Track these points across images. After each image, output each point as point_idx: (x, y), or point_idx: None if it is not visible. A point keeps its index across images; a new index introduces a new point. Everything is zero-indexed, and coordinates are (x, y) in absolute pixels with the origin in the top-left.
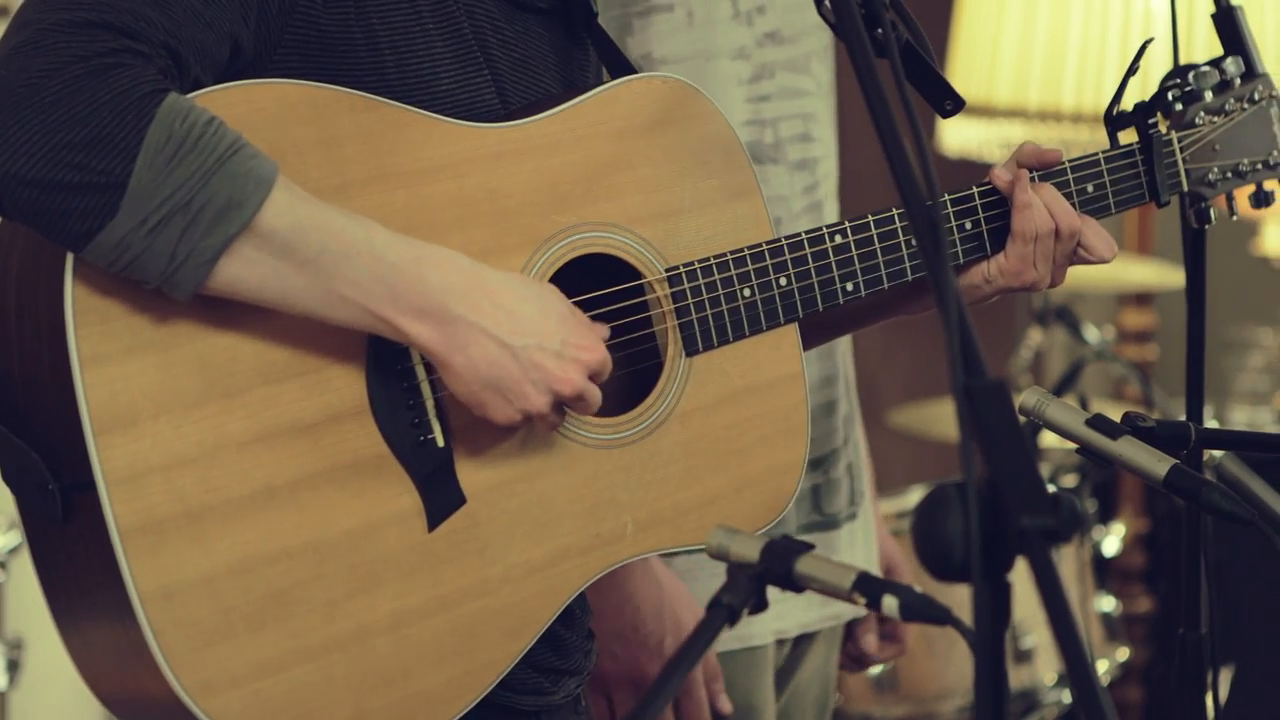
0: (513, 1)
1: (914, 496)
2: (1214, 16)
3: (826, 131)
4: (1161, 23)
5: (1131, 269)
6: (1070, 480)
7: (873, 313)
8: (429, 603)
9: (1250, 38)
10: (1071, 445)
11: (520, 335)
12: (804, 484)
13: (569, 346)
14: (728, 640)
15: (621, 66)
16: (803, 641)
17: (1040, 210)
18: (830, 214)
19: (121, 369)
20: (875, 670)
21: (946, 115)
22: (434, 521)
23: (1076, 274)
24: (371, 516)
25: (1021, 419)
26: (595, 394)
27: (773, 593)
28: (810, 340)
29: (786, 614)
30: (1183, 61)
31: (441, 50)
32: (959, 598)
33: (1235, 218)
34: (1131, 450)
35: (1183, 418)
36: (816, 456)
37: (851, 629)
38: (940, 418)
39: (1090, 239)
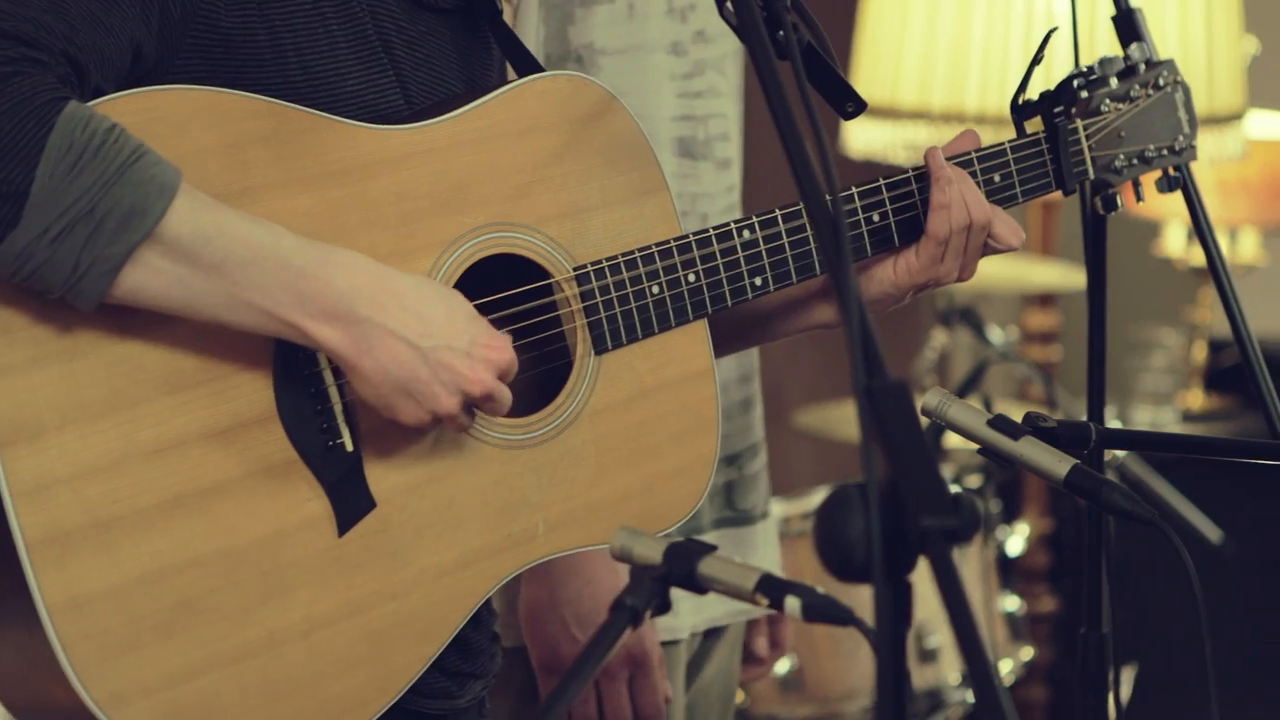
0: (415, 2)
1: (819, 497)
2: (1114, 19)
3: (737, 133)
4: (1064, 25)
5: (1035, 270)
6: (974, 480)
7: (790, 321)
8: (340, 608)
9: (1149, 39)
10: (974, 446)
11: (429, 337)
12: (718, 480)
13: (477, 346)
14: None
15: (528, 65)
16: (711, 636)
17: (959, 209)
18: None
19: (26, 380)
20: (782, 670)
21: (848, 117)
22: (344, 526)
23: (981, 275)
24: (281, 522)
25: (924, 420)
26: (505, 394)
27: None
28: (728, 347)
29: (704, 607)
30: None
31: (345, 51)
32: (863, 598)
33: (1141, 203)
34: (1032, 451)
35: (1085, 418)
36: (732, 453)
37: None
38: (845, 419)
39: (999, 229)
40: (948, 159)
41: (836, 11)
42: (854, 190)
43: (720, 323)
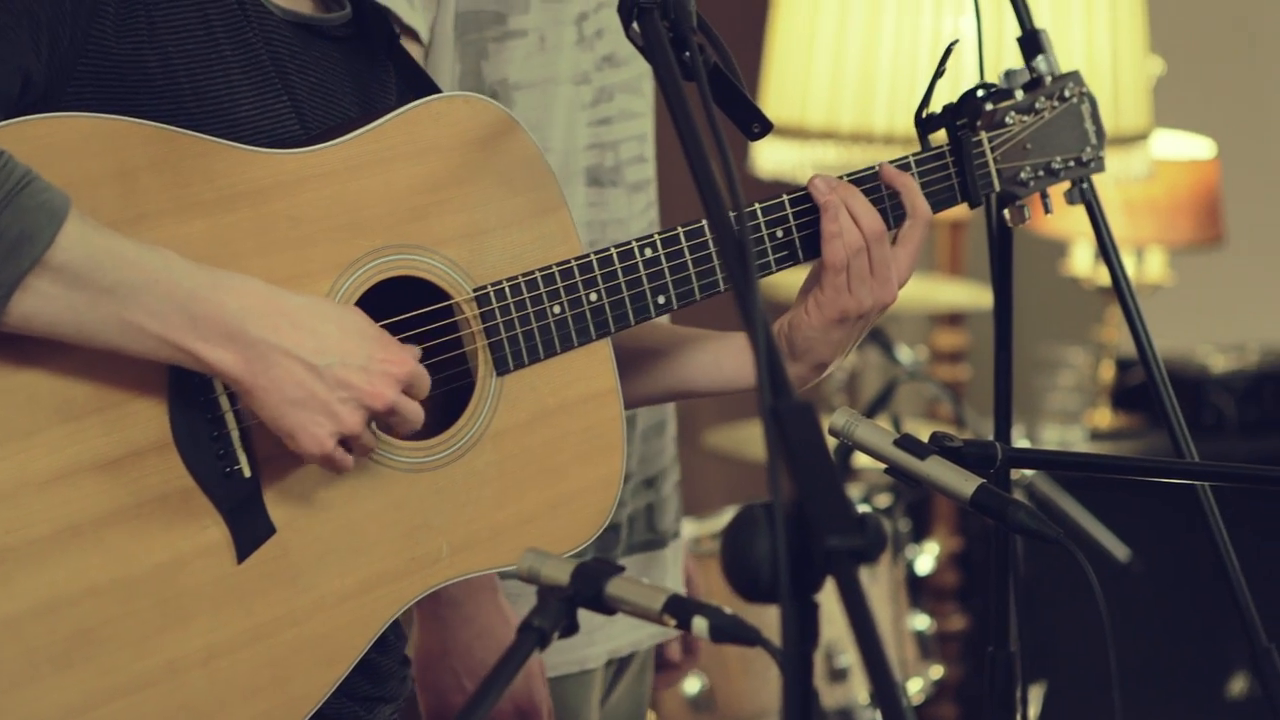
0: (309, 27)
1: (729, 517)
2: (1019, 39)
3: (652, 152)
4: (971, 45)
5: (943, 290)
6: (884, 499)
7: (702, 382)
8: (241, 635)
9: (1054, 57)
10: (882, 465)
11: (324, 354)
12: (639, 504)
13: (375, 361)
14: (564, 664)
15: (423, 88)
16: (624, 660)
17: (851, 233)
18: None
19: None
20: (692, 690)
21: (754, 138)
22: (243, 553)
23: None
24: (179, 550)
25: (831, 440)
26: (412, 408)
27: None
28: (645, 399)
29: (618, 634)
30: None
31: (239, 76)
32: (772, 618)
33: (1049, 214)
34: (939, 470)
35: (993, 437)
36: (649, 476)
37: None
38: (755, 439)
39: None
40: (853, 176)
41: (745, 32)
42: (757, 207)
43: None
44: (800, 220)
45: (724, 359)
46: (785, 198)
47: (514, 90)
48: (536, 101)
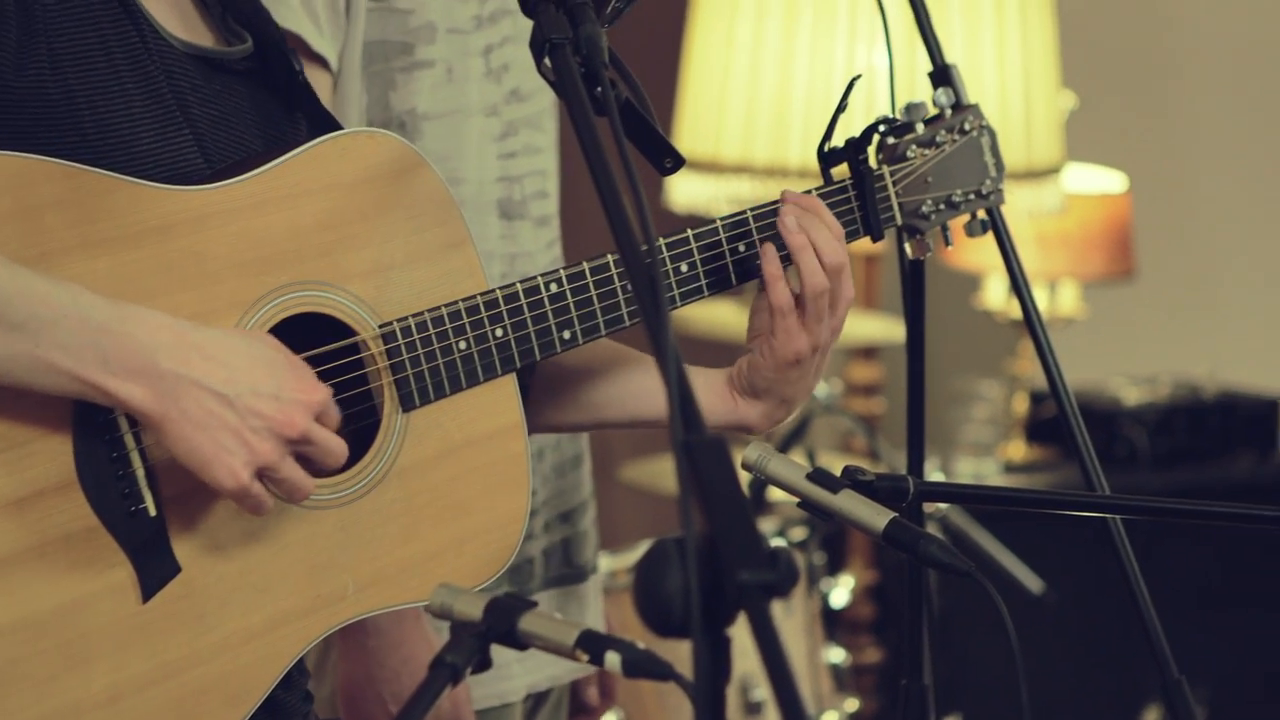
0: (210, 61)
1: (644, 552)
2: (931, 74)
3: (555, 189)
4: (884, 80)
5: (857, 323)
6: (799, 533)
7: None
8: (146, 675)
9: (965, 93)
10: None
11: (234, 384)
12: (555, 538)
13: (286, 389)
14: (484, 698)
15: (326, 123)
16: (541, 694)
17: (816, 274)
18: None
19: None
20: None
21: (666, 173)
22: (148, 592)
23: None
24: (84, 590)
25: (744, 474)
26: (327, 437)
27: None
28: (595, 424)
29: (536, 668)
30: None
31: (141, 109)
32: (686, 652)
33: (950, 248)
34: (851, 504)
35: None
36: (566, 510)
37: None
38: (670, 473)
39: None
40: (756, 211)
41: (659, 66)
42: (661, 242)
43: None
44: (705, 255)
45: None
46: (690, 233)
47: (423, 121)
48: (446, 132)
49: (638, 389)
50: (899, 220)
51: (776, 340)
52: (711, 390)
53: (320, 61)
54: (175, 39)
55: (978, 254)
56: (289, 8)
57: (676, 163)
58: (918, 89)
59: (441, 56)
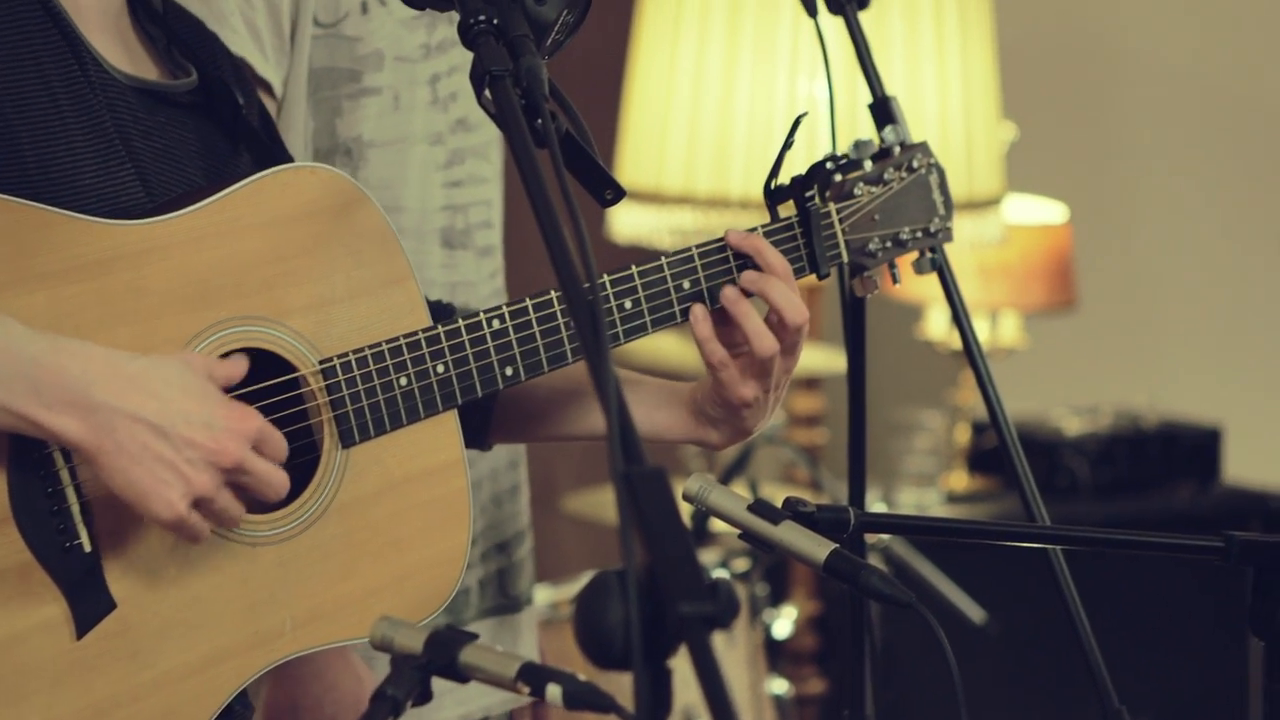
0: (154, 94)
1: (585, 582)
2: (871, 106)
3: (499, 219)
4: (826, 110)
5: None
6: (742, 564)
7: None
8: (80, 712)
9: (905, 125)
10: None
11: (167, 415)
12: (490, 568)
13: (219, 418)
14: None
15: (270, 156)
16: None
17: (759, 334)
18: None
19: None
20: None
21: (606, 205)
22: (83, 629)
23: None
24: (17, 627)
25: (686, 505)
26: (267, 468)
27: None
28: (569, 437)
29: (469, 698)
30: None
31: (82, 144)
32: (627, 684)
33: (898, 285)
34: (792, 535)
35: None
36: (502, 540)
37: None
38: (613, 503)
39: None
40: (702, 248)
41: (601, 97)
42: (605, 279)
43: (509, 417)
44: (650, 291)
45: (657, 410)
46: (634, 269)
47: (368, 148)
48: (390, 160)
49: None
50: (845, 258)
51: (723, 388)
52: (674, 407)
53: (265, 87)
54: (118, 71)
55: (919, 285)
56: (234, 32)
57: (617, 194)
58: (859, 120)
59: (388, 84)
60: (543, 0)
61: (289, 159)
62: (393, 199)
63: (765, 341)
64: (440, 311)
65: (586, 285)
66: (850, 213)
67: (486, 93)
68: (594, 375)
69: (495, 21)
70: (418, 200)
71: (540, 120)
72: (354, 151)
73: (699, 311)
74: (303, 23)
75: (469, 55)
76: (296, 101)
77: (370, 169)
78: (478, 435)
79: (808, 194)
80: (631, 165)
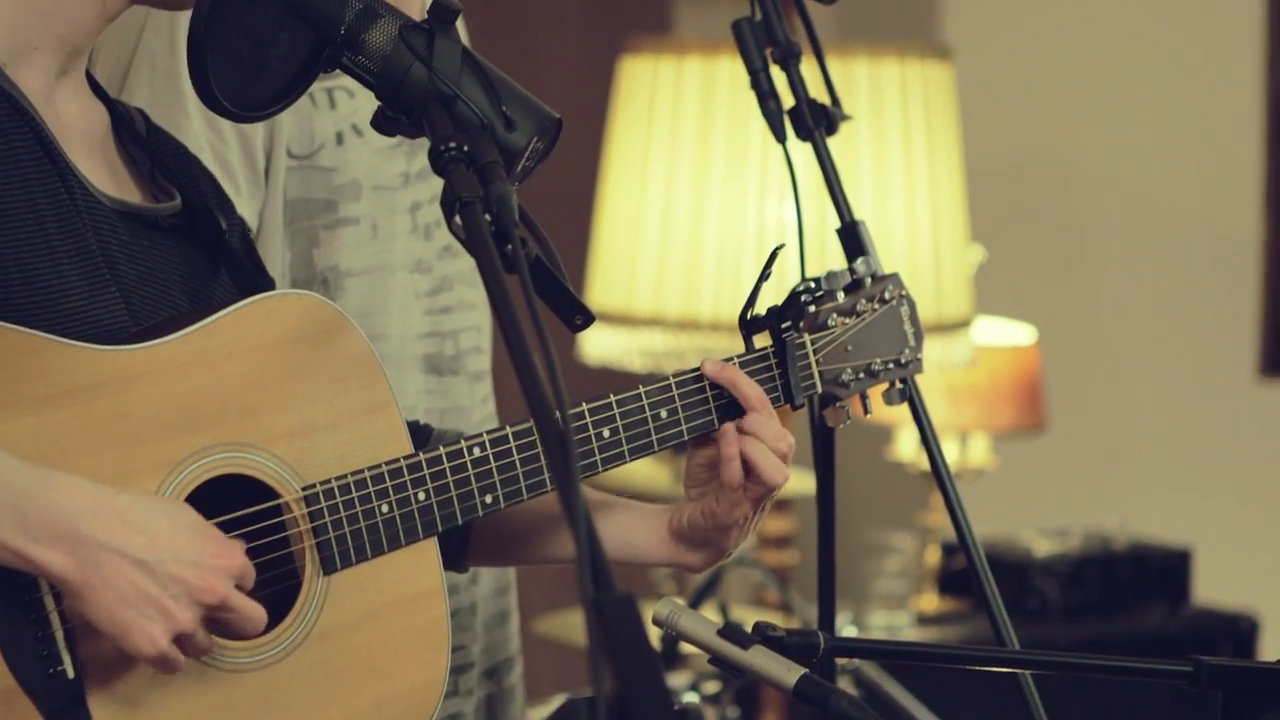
0: (138, 218)
1: (556, 706)
2: (839, 231)
3: (489, 344)
4: (794, 234)
5: None
6: (712, 686)
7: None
8: None
9: (874, 251)
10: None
11: (155, 551)
12: (480, 693)
13: (206, 556)
14: None
15: (253, 283)
16: None
17: (774, 468)
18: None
19: None
20: None
21: (576, 330)
22: None
23: None
24: None
25: (655, 630)
26: (245, 603)
27: None
28: (546, 560)
29: None
30: (814, 271)
31: (68, 266)
32: None
33: (869, 415)
34: (762, 660)
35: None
36: (491, 666)
37: None
38: (584, 625)
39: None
40: (679, 377)
41: (571, 220)
42: (585, 407)
43: (487, 540)
44: (627, 420)
45: (634, 533)
46: (613, 398)
47: (345, 277)
48: (369, 288)
49: (599, 530)
50: (819, 388)
51: (720, 509)
52: (651, 531)
53: None
54: (104, 195)
55: (888, 407)
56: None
57: (587, 320)
58: (828, 242)
59: (366, 213)
60: (513, 127)
61: (270, 282)
62: (373, 327)
63: (776, 472)
64: (418, 433)
65: (557, 413)
66: (824, 344)
67: (457, 219)
68: (564, 503)
69: (465, 148)
70: (398, 328)
71: (510, 246)
72: (330, 281)
73: (730, 431)
74: (277, 155)
75: None
76: (273, 232)
77: (348, 298)
78: (455, 558)
79: (783, 325)
80: (602, 287)
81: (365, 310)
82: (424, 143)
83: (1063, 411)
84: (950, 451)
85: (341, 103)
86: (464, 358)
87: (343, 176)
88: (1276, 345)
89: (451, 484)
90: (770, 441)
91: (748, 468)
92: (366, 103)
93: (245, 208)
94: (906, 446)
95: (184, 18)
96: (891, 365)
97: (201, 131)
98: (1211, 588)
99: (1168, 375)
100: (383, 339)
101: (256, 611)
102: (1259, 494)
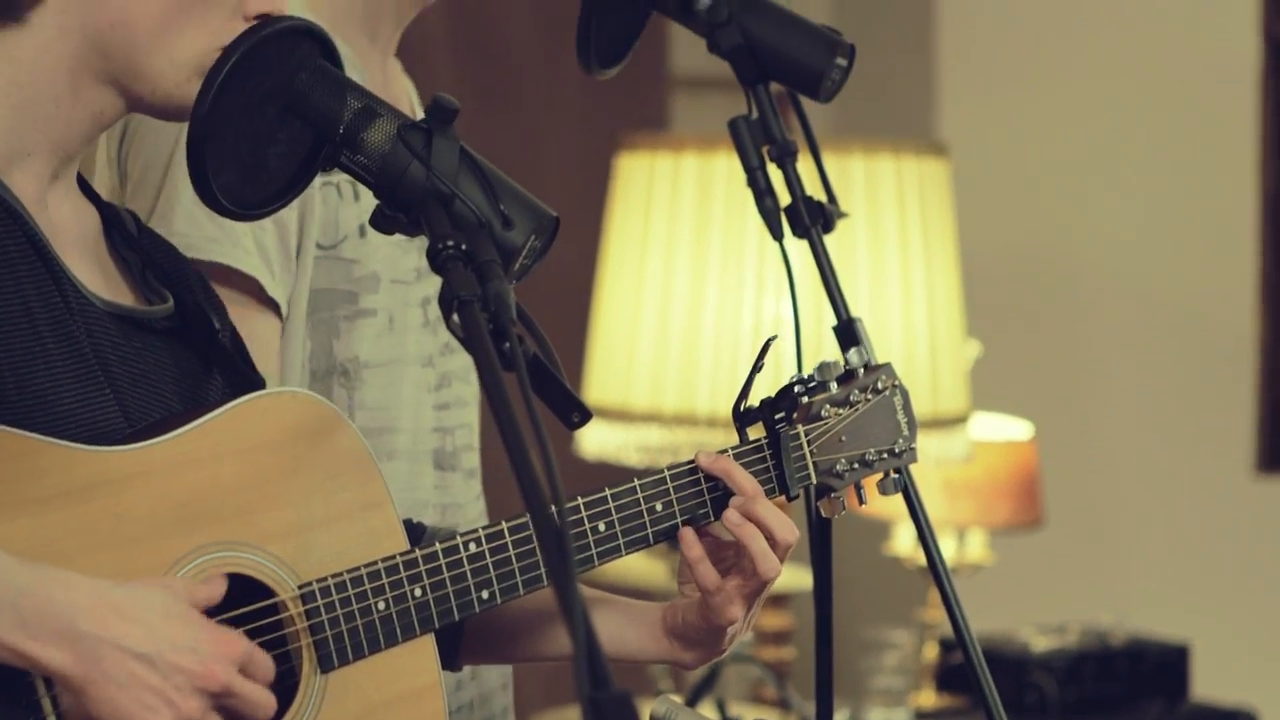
0: (130, 320)
1: None
2: (835, 328)
3: (478, 440)
4: (790, 331)
5: None
6: None
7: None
8: None
9: (869, 345)
10: None
11: (154, 642)
12: None
13: (204, 643)
14: None
15: (246, 382)
16: None
17: (765, 557)
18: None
19: None
20: None
21: (573, 428)
22: None
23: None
24: None
25: None
26: (255, 690)
27: None
28: (539, 658)
29: None
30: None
31: (62, 369)
32: None
33: (864, 506)
34: None
35: None
36: None
37: None
38: None
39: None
40: (673, 470)
41: (568, 317)
42: (580, 501)
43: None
44: (622, 514)
45: (628, 630)
46: (608, 491)
47: (364, 369)
48: (385, 381)
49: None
50: (813, 480)
51: (711, 612)
52: (646, 627)
53: (272, 306)
54: (96, 297)
55: (886, 502)
56: (244, 250)
57: (584, 417)
58: (825, 338)
59: (384, 306)
60: (511, 225)
61: (261, 381)
62: (388, 420)
63: (770, 564)
64: (412, 530)
65: (555, 510)
66: (818, 435)
67: (455, 317)
68: (560, 599)
69: (463, 247)
70: (410, 421)
71: (507, 344)
72: (351, 372)
73: (689, 535)
74: (307, 244)
75: None
76: (297, 322)
77: (366, 390)
78: (448, 656)
79: (776, 416)
80: (599, 382)
81: (382, 403)
82: None
83: (1060, 507)
84: (947, 547)
85: (365, 195)
86: (459, 454)
87: (364, 269)
88: (1273, 441)
89: (448, 580)
90: (777, 531)
91: (743, 559)
92: None
93: (279, 293)
94: (904, 542)
95: None
96: (886, 455)
97: None
98: (1210, 683)
99: (1165, 471)
100: (397, 432)
101: (265, 697)
102: (1257, 589)
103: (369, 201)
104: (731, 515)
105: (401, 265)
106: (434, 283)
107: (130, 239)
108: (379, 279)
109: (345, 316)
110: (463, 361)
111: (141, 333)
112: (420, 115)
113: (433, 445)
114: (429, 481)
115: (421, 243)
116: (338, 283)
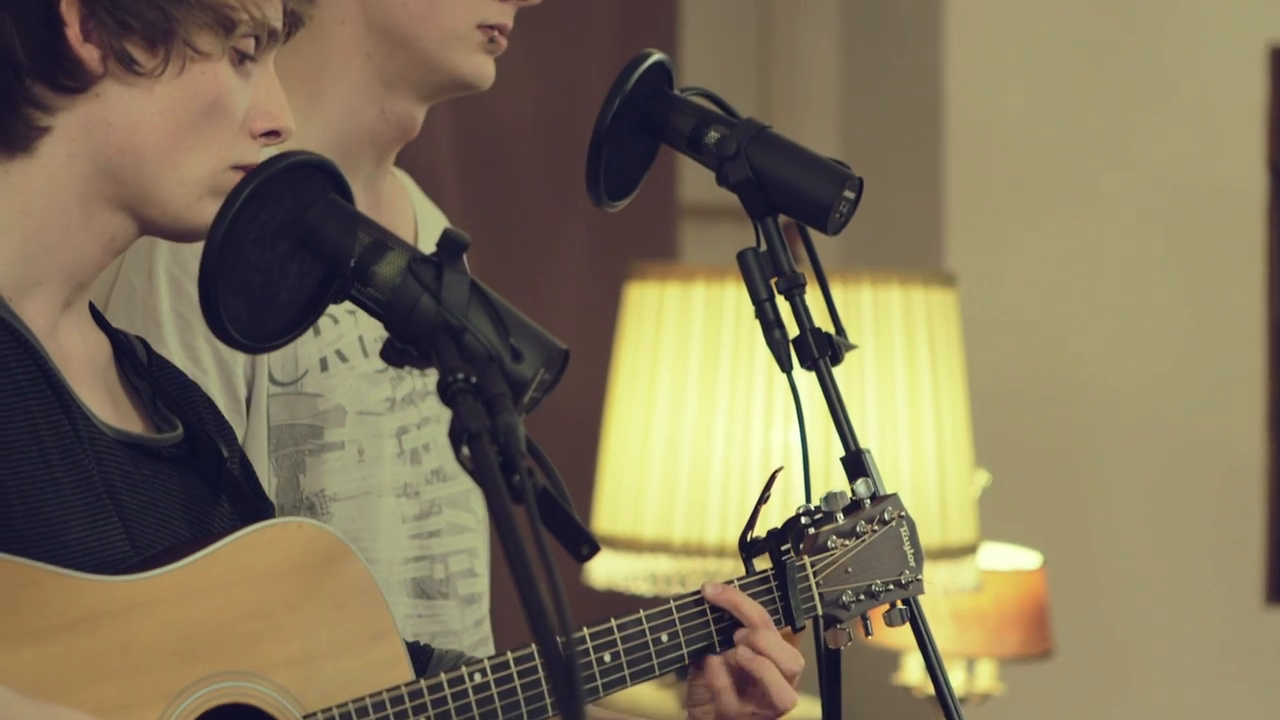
0: (140, 448)
1: None
2: (843, 459)
3: (485, 566)
4: (798, 462)
5: None
6: None
7: None
8: None
9: (878, 476)
10: None
11: None
12: None
13: None
14: None
15: (254, 511)
16: None
17: (781, 689)
18: (494, 647)
19: None
20: None
21: (582, 560)
22: None
23: None
24: None
25: None
26: None
27: None
28: None
29: None
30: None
31: (71, 498)
32: None
33: (870, 637)
34: None
35: None
36: None
37: None
38: None
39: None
40: (679, 601)
41: (578, 450)
42: (585, 632)
43: None
44: (629, 644)
45: None
46: (614, 622)
47: (331, 502)
48: (356, 513)
49: None
50: (820, 610)
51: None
52: None
53: None
54: (106, 425)
55: (895, 631)
56: None
57: (592, 550)
58: (833, 469)
59: (351, 438)
60: (520, 358)
61: (270, 508)
62: (361, 551)
63: (786, 695)
64: (419, 654)
65: (563, 641)
66: (824, 566)
67: (465, 450)
68: None
69: (473, 380)
70: (386, 551)
71: (517, 477)
72: (317, 506)
73: (715, 663)
74: (259, 384)
75: (442, 408)
76: (258, 461)
77: (335, 523)
78: None
79: (783, 548)
80: (608, 511)
81: (353, 535)
82: (410, 369)
83: (1069, 636)
84: (957, 677)
85: (326, 329)
86: (454, 581)
87: (328, 402)
88: None
89: (453, 710)
90: (782, 661)
91: (755, 688)
92: (351, 328)
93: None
94: (913, 671)
95: (162, 248)
96: (892, 586)
97: (181, 362)
98: None
99: (1174, 601)
100: (373, 563)
101: None
102: None
103: (330, 335)
104: (743, 651)
105: (370, 397)
106: (414, 412)
107: (140, 366)
108: (345, 412)
109: (310, 451)
110: (458, 488)
111: (150, 460)
112: (422, 214)
113: (411, 575)
114: (402, 611)
115: (394, 374)
116: (300, 418)
